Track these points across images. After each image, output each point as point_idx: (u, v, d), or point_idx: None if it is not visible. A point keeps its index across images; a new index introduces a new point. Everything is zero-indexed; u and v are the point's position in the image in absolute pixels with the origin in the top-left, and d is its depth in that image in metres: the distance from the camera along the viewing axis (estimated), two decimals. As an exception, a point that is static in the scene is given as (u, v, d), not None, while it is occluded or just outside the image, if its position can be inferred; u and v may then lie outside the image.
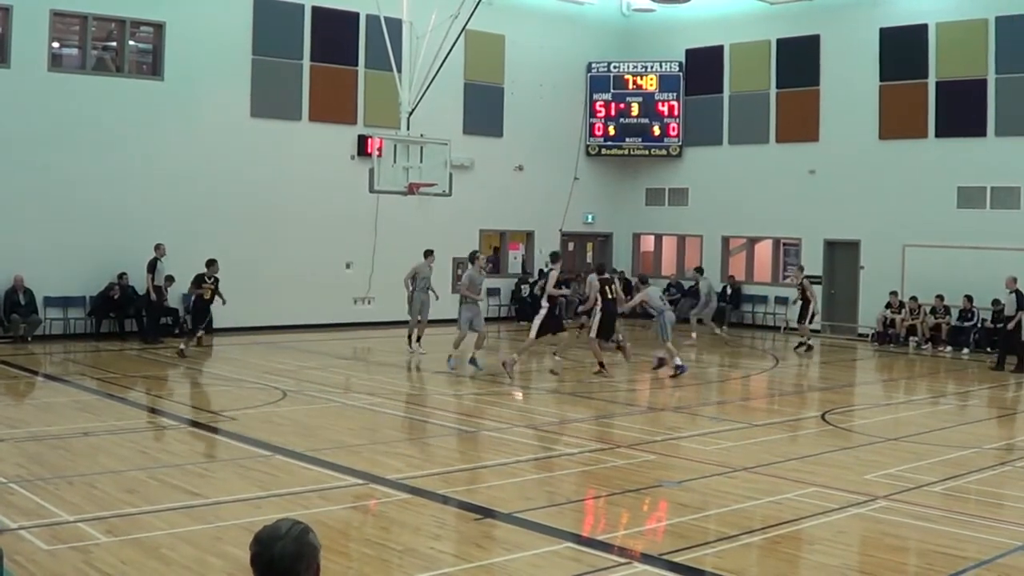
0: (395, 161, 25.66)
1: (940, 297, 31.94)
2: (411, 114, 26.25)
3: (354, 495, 12.83)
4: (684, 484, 13.50)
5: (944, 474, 14.48)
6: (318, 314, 31.79)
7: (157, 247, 27.85)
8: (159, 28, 29.53)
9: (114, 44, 29.65)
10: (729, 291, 37.11)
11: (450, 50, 26.91)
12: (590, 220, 39.71)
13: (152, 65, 29.88)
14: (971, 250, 31.33)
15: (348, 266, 32.57)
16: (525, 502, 12.34)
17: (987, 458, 15.76)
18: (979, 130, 32.18)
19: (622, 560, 10.28)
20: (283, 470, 13.99)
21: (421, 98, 26.28)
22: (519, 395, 21.60)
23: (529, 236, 38.19)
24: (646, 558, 10.36)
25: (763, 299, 37.12)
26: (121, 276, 28.31)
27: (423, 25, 26.55)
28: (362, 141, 32.35)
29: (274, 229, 31.14)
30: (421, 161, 25.95)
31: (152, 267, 27.75)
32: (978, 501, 13.28)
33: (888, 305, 32.97)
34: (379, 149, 25.99)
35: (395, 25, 27.25)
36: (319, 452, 14.91)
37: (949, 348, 31.47)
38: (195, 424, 17.47)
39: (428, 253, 26.98)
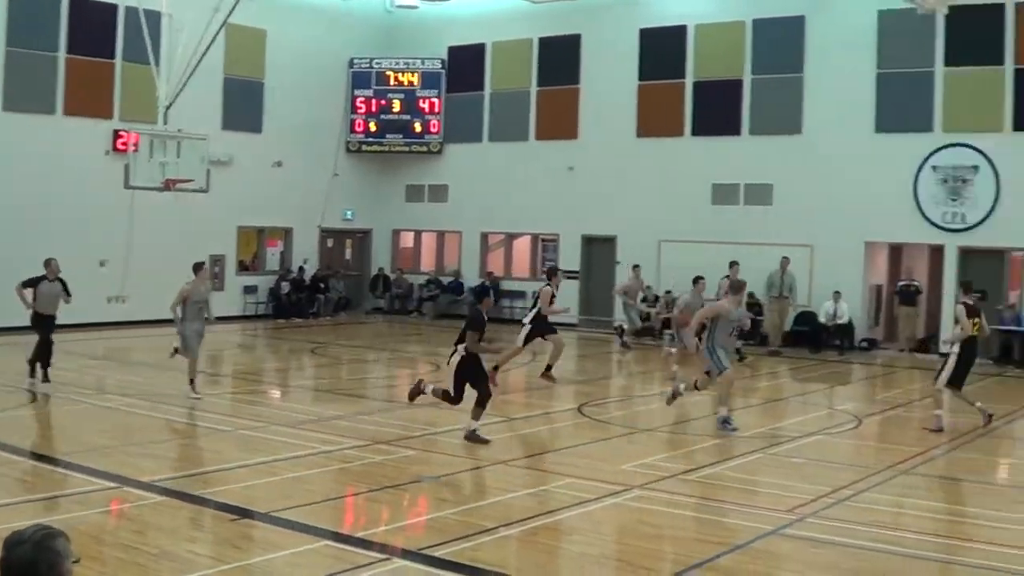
0: (151, 156, 24.95)
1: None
2: (169, 108, 25.64)
3: (107, 499, 12.47)
4: (443, 479, 13.54)
5: (699, 462, 14.85)
6: (71, 313, 30.70)
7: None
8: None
9: None
10: (488, 286, 37.36)
11: (210, 44, 26.32)
12: (349, 216, 39.50)
13: None
14: (725, 245, 32.21)
15: (102, 264, 31.53)
16: (283, 501, 12.17)
17: (741, 446, 16.21)
18: (734, 129, 33.24)
19: (382, 556, 10.22)
20: (35, 475, 13.53)
21: (179, 92, 25.70)
22: (276, 393, 21.36)
23: (288, 233, 37.73)
24: (406, 554, 10.32)
25: (521, 294, 37.48)
26: None
27: (183, 18, 25.94)
28: (117, 136, 31.47)
29: (26, 226, 29.99)
30: (178, 156, 25.28)
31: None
32: (732, 488, 13.62)
33: (644, 299, 33.63)
34: (135, 144, 25.27)
35: (154, 18, 26.52)
36: (71, 455, 14.46)
37: (699, 339, 32.21)
38: (-63, 427, 16.77)
39: (199, 267, 20.81)
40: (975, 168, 30.07)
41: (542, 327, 21.72)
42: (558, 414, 19.38)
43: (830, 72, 31.97)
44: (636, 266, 31.96)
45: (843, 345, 30.15)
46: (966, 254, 30.47)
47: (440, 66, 39.05)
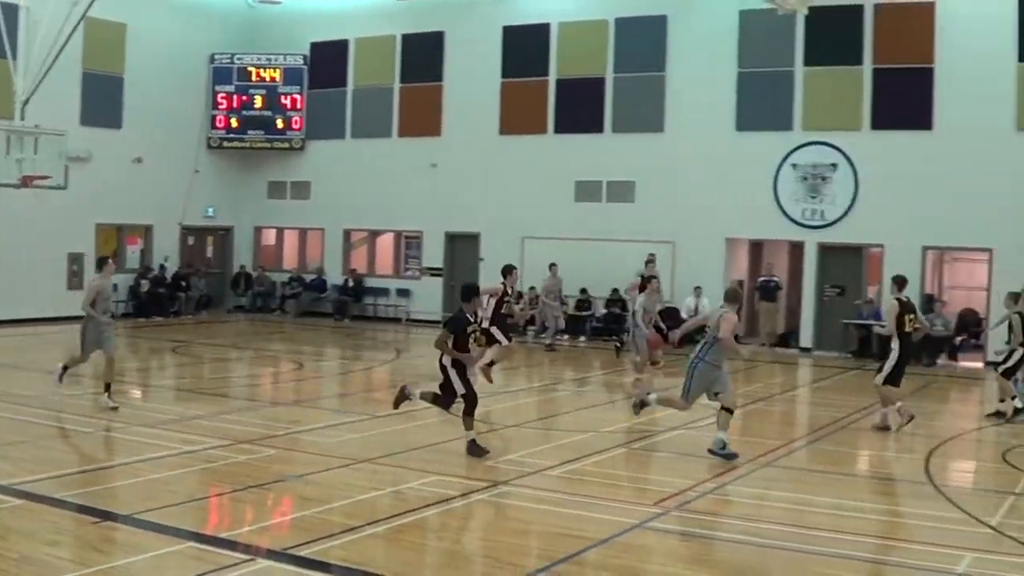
0: (8, 152, 24.41)
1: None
2: (26, 103, 25.07)
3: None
4: (307, 478, 13.39)
5: (563, 457, 14.88)
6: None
7: None
8: None
9: None
10: (351, 284, 37.23)
11: (68, 38, 25.79)
12: (211, 213, 38.98)
13: None
14: (588, 242, 32.48)
15: (-41, 262, 30.77)
16: (146, 502, 11.94)
17: (604, 441, 16.28)
18: (596, 127, 33.47)
19: (247, 557, 10.07)
20: None
21: (37, 87, 25.14)
22: (137, 393, 21.00)
23: (148, 230, 37.06)
24: (271, 554, 10.19)
25: (385, 292, 37.37)
26: None
27: (40, 11, 25.36)
28: (-29, 131, 30.63)
29: None
30: (36, 153, 24.77)
31: None
32: (596, 483, 13.67)
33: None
34: (-10, 140, 24.64)
35: (11, 10, 25.90)
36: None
37: (567, 336, 32.47)
38: None
39: (104, 262, 19.34)
40: (834, 166, 30.63)
41: (502, 325, 21.50)
42: (422, 411, 19.26)
43: (692, 71, 32.36)
44: (552, 264, 31.75)
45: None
46: (825, 250, 31.06)
47: (302, 62, 38.70)
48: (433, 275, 36.59)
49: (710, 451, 15.03)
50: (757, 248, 33.62)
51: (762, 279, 31.96)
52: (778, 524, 11.90)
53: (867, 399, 21.07)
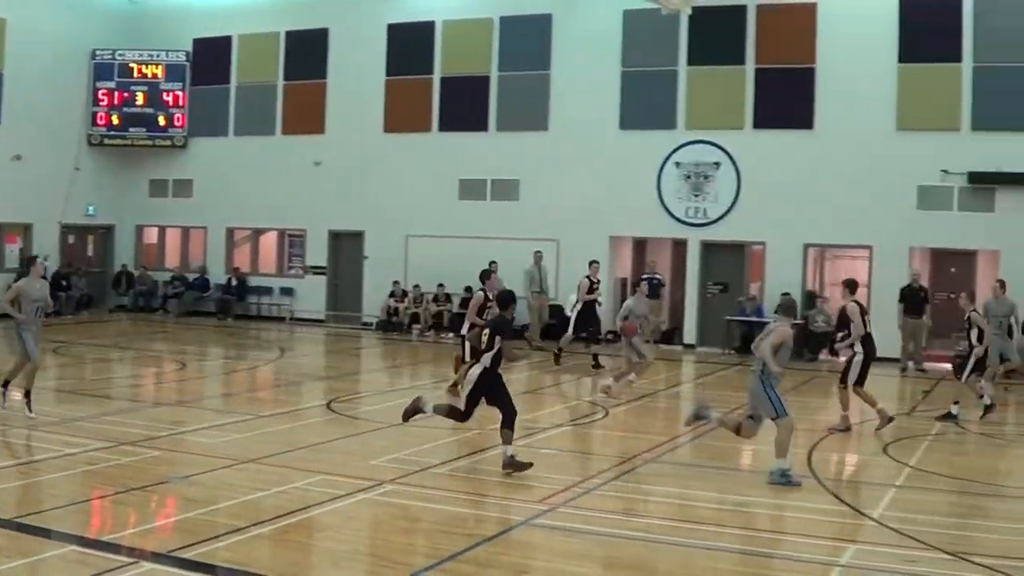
0: None
1: (442, 286, 33.02)
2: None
3: None
4: (191, 479, 13.24)
5: (448, 455, 14.89)
6: None
7: None
8: None
9: None
10: (234, 283, 36.93)
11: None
12: (91, 212, 38.35)
13: None
14: (472, 240, 32.53)
15: None
16: (26, 506, 11.75)
17: (488, 438, 16.29)
18: (481, 125, 33.52)
19: (130, 560, 9.93)
20: None
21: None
22: (17, 395, 20.60)
23: (27, 229, 36.36)
24: (156, 556, 10.06)
25: (268, 290, 37.11)
26: None
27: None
28: None
29: None
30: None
31: None
32: (482, 480, 13.69)
33: (392, 294, 33.72)
34: None
35: None
36: None
37: (451, 334, 32.48)
38: None
39: (31, 261, 18.93)
40: (717, 164, 31.00)
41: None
42: (307, 411, 19.21)
43: (576, 70, 32.56)
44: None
45: (590, 337, 30.57)
46: (708, 248, 31.42)
47: (185, 58, 38.25)
48: (317, 273, 36.42)
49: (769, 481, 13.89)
50: (641, 246, 33.86)
51: (645, 276, 32.16)
52: (663, 519, 12.04)
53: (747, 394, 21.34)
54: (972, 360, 19.72)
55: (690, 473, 15.01)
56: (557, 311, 31.49)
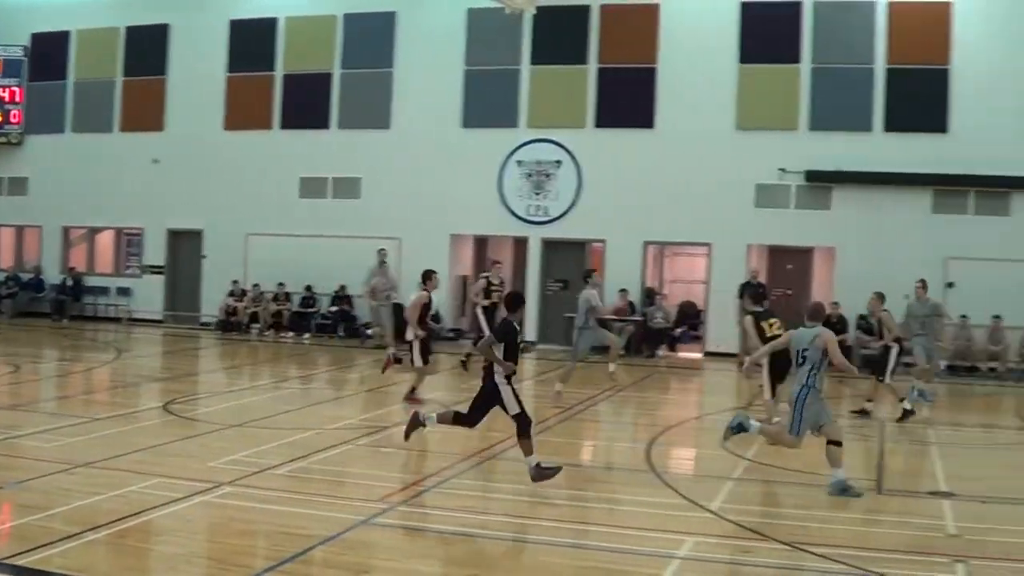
0: None
1: (282, 285, 32.79)
2: None
3: None
4: (25, 484, 12.95)
5: (288, 456, 14.77)
6: None
7: None
8: None
9: None
10: (70, 283, 36.23)
11: None
12: (-78, 210, 37.38)
13: None
14: (313, 238, 32.36)
15: None
16: None
17: (328, 438, 16.23)
18: (323, 123, 33.34)
19: (-41, 568, 9.72)
20: None
21: None
22: None
23: None
24: (-13, 563, 9.86)
25: (105, 290, 36.49)
26: None
27: None
28: None
29: None
30: None
31: None
32: (321, 480, 13.62)
33: (231, 293, 33.39)
34: None
35: None
36: None
37: (291, 334, 32.33)
38: None
39: None
40: (558, 163, 31.26)
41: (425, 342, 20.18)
42: (143, 412, 18.91)
43: (420, 68, 32.65)
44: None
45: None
46: (549, 246, 31.65)
47: (22, 53, 37.39)
48: (154, 273, 35.92)
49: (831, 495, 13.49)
50: (482, 244, 34.01)
51: (484, 275, 32.26)
52: (503, 515, 12.13)
53: (592, 389, 21.62)
54: (892, 361, 20.14)
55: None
56: (398, 309, 31.37)
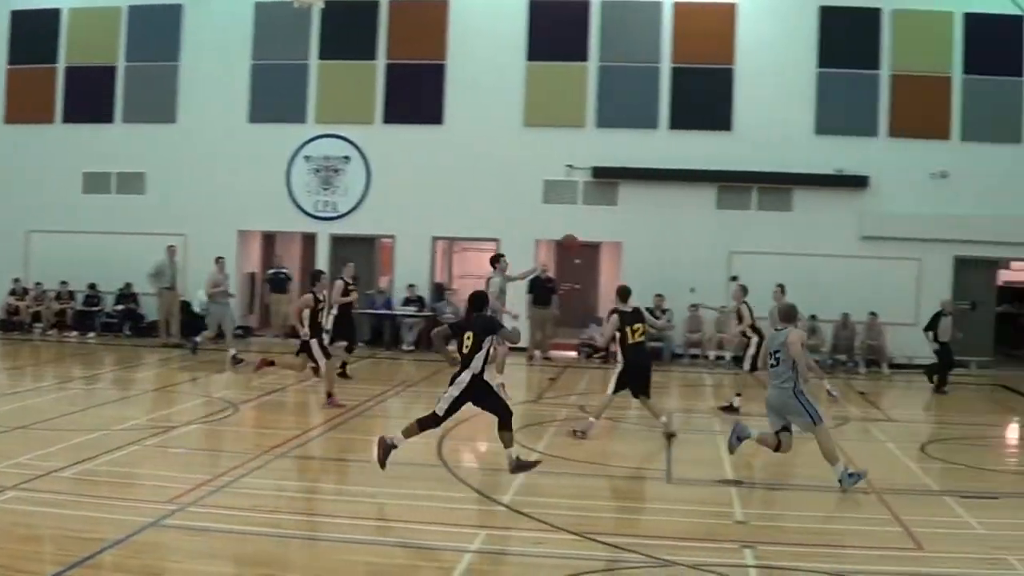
0: None
1: (65, 283, 32.08)
2: None
3: None
4: None
5: (74, 458, 14.46)
6: None
7: None
8: None
9: None
10: None
11: None
12: None
13: None
14: (98, 235, 31.71)
15: None
16: None
17: (116, 439, 15.95)
18: (107, 116, 32.68)
19: None
20: None
21: None
22: None
23: None
24: None
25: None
26: None
27: None
28: None
29: None
30: None
31: None
32: (109, 482, 13.39)
33: (12, 292, 32.50)
34: None
35: None
36: None
37: (75, 333, 31.63)
38: None
39: None
40: (347, 158, 31.27)
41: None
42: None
43: (206, 61, 32.25)
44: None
45: (219, 333, 30.08)
46: (338, 241, 31.59)
47: None
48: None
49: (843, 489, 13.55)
50: (270, 240, 33.79)
51: (272, 271, 32.11)
52: (295, 514, 12.13)
53: (382, 386, 21.68)
54: (752, 349, 20.55)
55: (320, 466, 15.14)
56: (185, 307, 31.00)
